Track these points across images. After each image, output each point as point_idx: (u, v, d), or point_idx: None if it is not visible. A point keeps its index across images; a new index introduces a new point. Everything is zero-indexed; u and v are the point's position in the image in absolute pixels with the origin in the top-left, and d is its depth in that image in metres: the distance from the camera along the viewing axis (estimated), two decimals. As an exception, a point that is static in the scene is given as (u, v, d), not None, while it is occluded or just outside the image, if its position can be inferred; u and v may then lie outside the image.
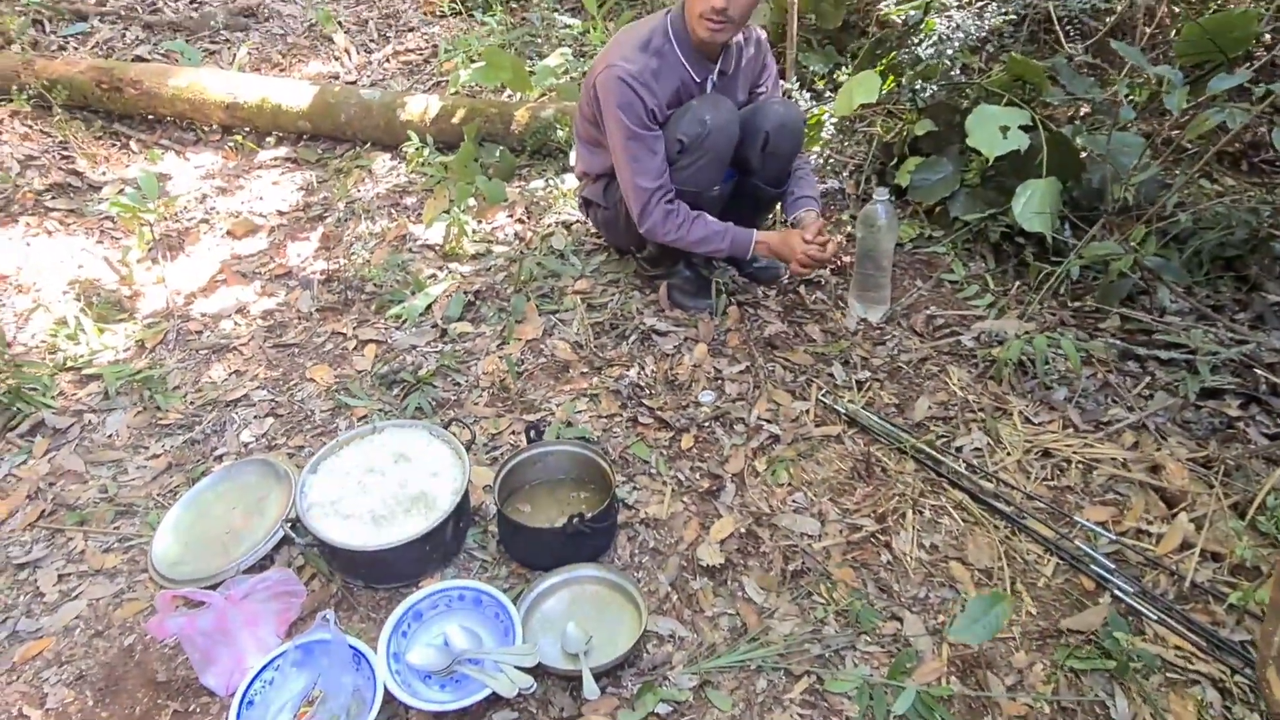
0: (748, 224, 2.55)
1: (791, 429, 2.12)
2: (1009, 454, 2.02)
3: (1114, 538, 1.78)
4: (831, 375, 2.29)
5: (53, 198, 3.18)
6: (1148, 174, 2.34)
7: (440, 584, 1.71)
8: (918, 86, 2.68)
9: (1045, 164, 2.37)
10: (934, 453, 2.01)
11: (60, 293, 2.71)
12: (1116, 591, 1.67)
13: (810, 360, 2.33)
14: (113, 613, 1.81)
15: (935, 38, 2.60)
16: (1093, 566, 1.72)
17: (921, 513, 1.90)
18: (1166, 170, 2.70)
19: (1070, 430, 2.08)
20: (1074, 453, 1.99)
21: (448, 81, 3.74)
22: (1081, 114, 2.89)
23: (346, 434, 1.94)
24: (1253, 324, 2.32)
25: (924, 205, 2.81)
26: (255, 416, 2.26)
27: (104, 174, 3.36)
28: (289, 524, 1.76)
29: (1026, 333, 2.28)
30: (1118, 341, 2.29)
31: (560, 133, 3.16)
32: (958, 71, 2.68)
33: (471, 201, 2.94)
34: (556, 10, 4.09)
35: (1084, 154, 2.51)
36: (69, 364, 2.45)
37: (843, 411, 2.15)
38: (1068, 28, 2.64)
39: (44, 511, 2.05)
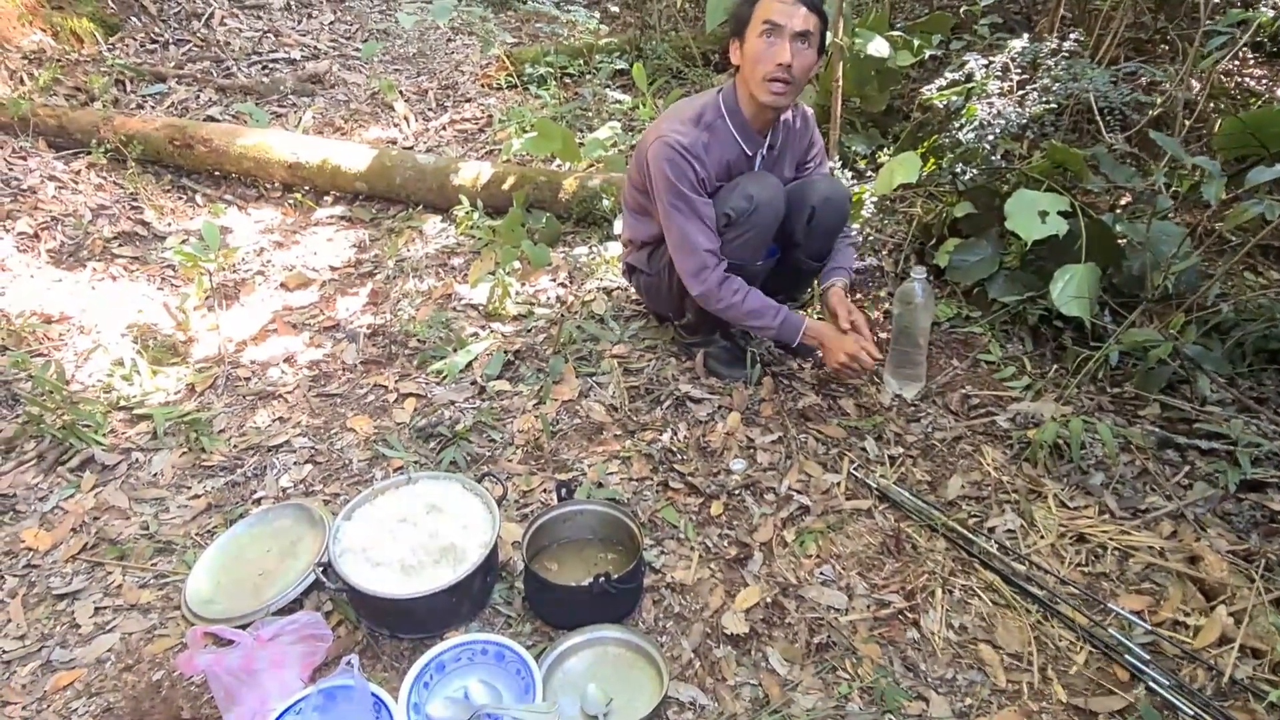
0: (787, 295, 2.61)
1: (822, 501, 2.12)
2: (1042, 537, 1.99)
3: (1149, 628, 1.74)
4: (864, 449, 2.29)
5: (120, 245, 3.33)
6: (1188, 263, 2.34)
7: (464, 637, 1.72)
8: (958, 169, 2.73)
9: (1084, 250, 2.38)
10: (965, 532, 1.99)
11: (119, 335, 2.83)
12: (1151, 684, 1.63)
13: (843, 434, 2.34)
14: (144, 647, 1.84)
15: (977, 123, 2.65)
16: (1127, 656, 1.68)
17: (951, 592, 1.87)
18: (1208, 260, 2.70)
19: (1106, 516, 2.05)
20: (1110, 539, 1.96)
21: (500, 149, 3.88)
22: (1122, 203, 2.92)
23: (382, 483, 1.97)
24: (1296, 418, 2.28)
25: (962, 286, 2.83)
26: (295, 463, 2.31)
27: (169, 224, 3.52)
28: (320, 568, 1.79)
29: (1063, 416, 2.27)
30: (1157, 429, 2.27)
31: (606, 202, 3.25)
32: (998, 157, 2.73)
33: (516, 264, 3.02)
34: (608, 87, 4.25)
35: (1123, 241, 2.53)
36: (122, 403, 2.53)
37: (874, 486, 2.15)
38: (1108, 118, 2.69)
39: (86, 545, 2.10)
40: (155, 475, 2.30)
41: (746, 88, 2.23)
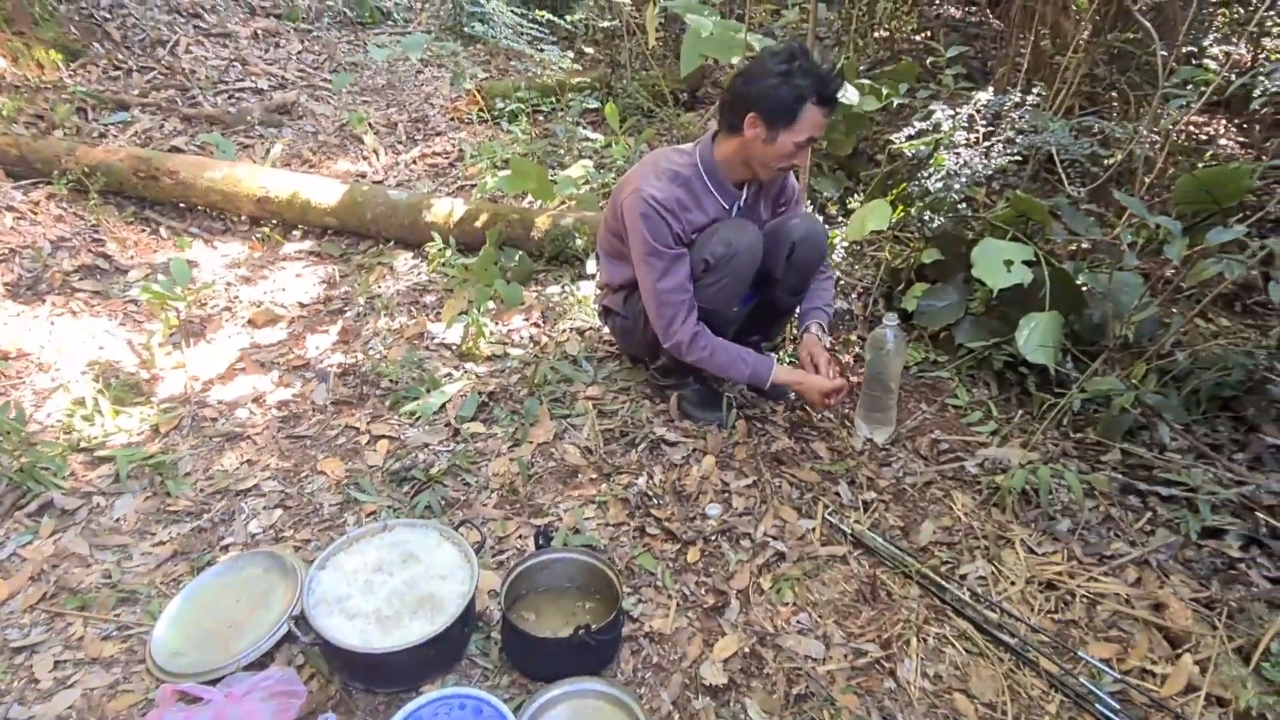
0: (764, 335, 2.64)
1: (797, 546, 2.13)
2: (1012, 584, 2.03)
3: (1118, 676, 1.78)
4: (838, 494, 2.31)
5: (80, 279, 3.26)
6: (1148, 313, 2.42)
7: (441, 691, 1.69)
8: (926, 217, 2.80)
9: (1048, 298, 2.45)
10: (938, 579, 2.02)
11: (79, 373, 2.76)
12: (1122, 733, 1.66)
13: (817, 478, 2.36)
14: (107, 704, 1.78)
15: (944, 172, 2.72)
16: (1098, 706, 1.71)
17: (925, 640, 1.89)
18: (1165, 309, 2.79)
19: (1074, 562, 2.09)
20: (1077, 586, 2.00)
21: (472, 185, 3.89)
22: (1083, 250, 3.01)
23: (356, 531, 1.95)
24: (1251, 465, 2.35)
25: (929, 330, 2.89)
26: (264, 507, 2.27)
27: (132, 258, 3.45)
28: (294, 620, 1.76)
29: (1030, 462, 2.32)
30: (1119, 476, 2.33)
31: (579, 241, 3.27)
32: (964, 205, 2.80)
33: (490, 304, 3.02)
34: (580, 124, 4.28)
35: (1086, 290, 2.60)
36: (83, 445, 2.47)
37: (848, 532, 2.17)
38: (1069, 170, 2.78)
39: (45, 594, 2.04)
40: (118, 520, 2.24)
41: (744, 159, 2.26)
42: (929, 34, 5.26)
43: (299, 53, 5.52)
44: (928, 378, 2.79)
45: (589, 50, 5.33)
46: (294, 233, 3.67)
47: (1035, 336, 2.41)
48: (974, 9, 5.66)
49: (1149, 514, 2.23)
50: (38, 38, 4.58)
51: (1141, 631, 1.90)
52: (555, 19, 4.61)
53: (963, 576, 2.06)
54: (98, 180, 3.58)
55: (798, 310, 2.60)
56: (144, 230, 3.65)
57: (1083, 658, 1.82)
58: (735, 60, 3.01)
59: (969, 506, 2.28)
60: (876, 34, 4.91)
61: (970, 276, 2.65)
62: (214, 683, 1.70)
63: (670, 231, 2.25)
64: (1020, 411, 2.61)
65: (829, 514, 2.23)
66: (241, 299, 3.24)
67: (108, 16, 5.07)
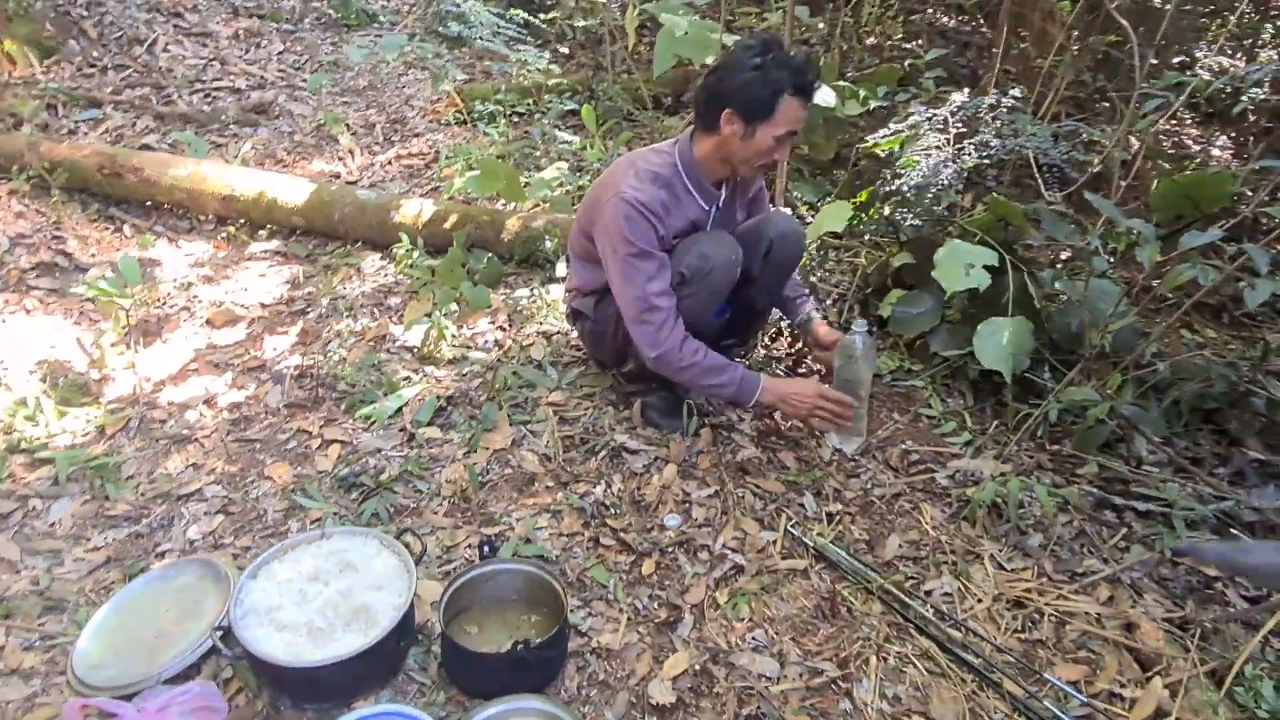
0: (739, 339, 2.57)
1: (757, 560, 2.05)
2: (979, 600, 1.95)
3: (1085, 700, 1.69)
4: (802, 505, 2.23)
5: (37, 276, 3.18)
6: (1125, 322, 2.35)
7: (370, 708, 1.61)
8: (899, 218, 2.73)
9: (1010, 304, 2.38)
10: (902, 595, 1.94)
11: (27, 372, 2.67)
12: (1087, 760, 1.58)
13: (782, 488, 2.28)
14: (21, 717, 1.69)
15: (916, 174, 2.65)
16: (1063, 730, 1.63)
17: (886, 659, 1.81)
18: (1146, 318, 2.72)
19: (1044, 579, 2.01)
20: (1047, 604, 1.92)
21: (444, 186, 3.81)
22: (1063, 257, 2.94)
23: (293, 538, 1.87)
24: (1232, 479, 2.28)
25: (904, 338, 2.81)
26: (205, 513, 2.18)
27: (94, 255, 3.37)
28: (219, 633, 1.67)
29: (1002, 474, 2.25)
30: (1094, 490, 2.25)
31: (549, 244, 3.19)
32: (940, 208, 2.73)
33: (454, 306, 2.94)
34: (558, 126, 4.21)
35: (1062, 298, 2.53)
36: (23, 445, 2.39)
37: (811, 545, 2.09)
38: (1047, 174, 2.71)
39: (-31, 601, 1.95)
40: (53, 525, 2.16)
41: (723, 156, 2.19)
42: (919, 40, 5.20)
43: (280, 53, 5.45)
44: (902, 387, 2.72)
45: (565, 51, 5.27)
46: (261, 232, 3.60)
47: (996, 342, 2.34)
48: (965, 16, 5.62)
49: (1124, 530, 2.15)
50: (11, 34, 4.50)
51: (1111, 653, 1.82)
52: (531, 19, 4.54)
53: (928, 593, 1.97)
54: (60, 177, 3.50)
55: (784, 307, 2.56)
56: (107, 228, 3.57)
57: (1049, 680, 1.74)
58: (710, 60, 2.95)
59: (938, 520, 2.20)
60: (865, 40, 4.85)
61: (945, 282, 2.59)
62: (131, 697, 1.61)
63: (655, 234, 2.17)
64: (995, 422, 2.53)
65: (791, 526, 2.15)
66: (201, 299, 3.16)
67: (85, 14, 5.01)
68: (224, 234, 3.58)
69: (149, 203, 3.68)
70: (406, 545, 1.87)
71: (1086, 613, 1.90)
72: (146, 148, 4.07)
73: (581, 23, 4.78)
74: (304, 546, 1.86)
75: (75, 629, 1.85)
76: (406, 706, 1.62)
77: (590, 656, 1.81)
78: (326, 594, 1.76)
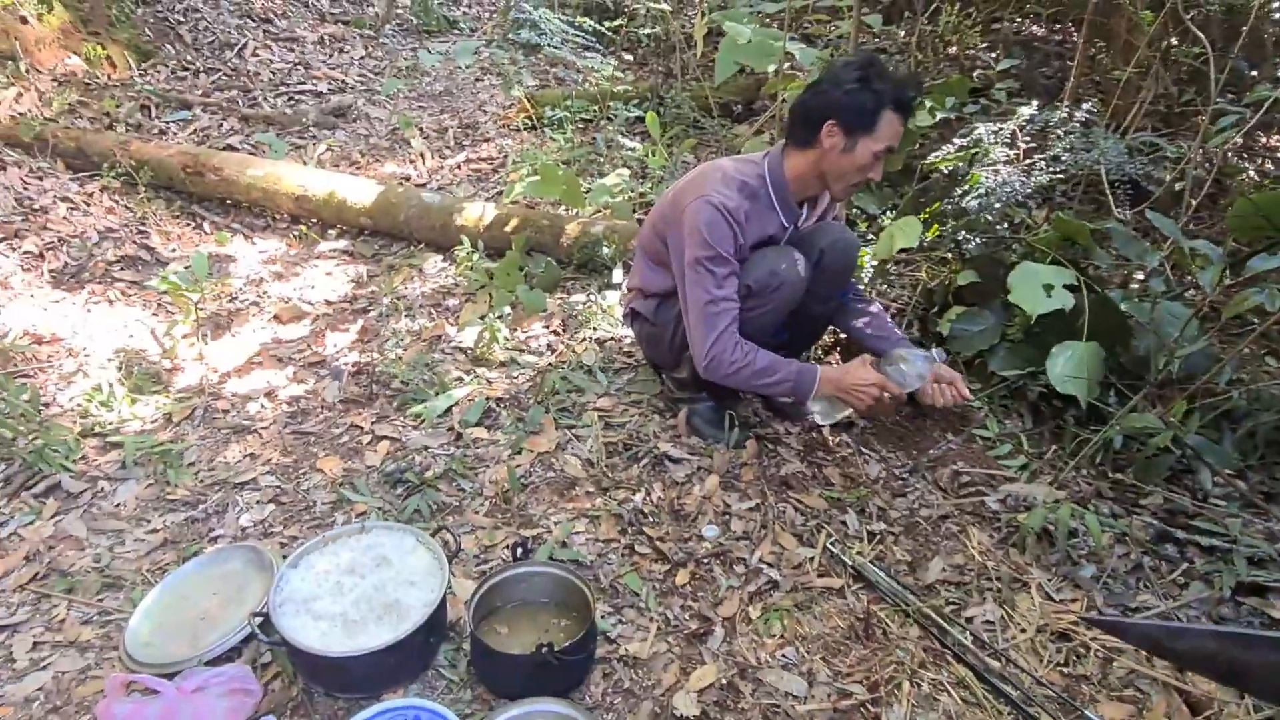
0: (794, 352, 2.53)
1: (792, 576, 2.02)
2: (1023, 631, 1.88)
3: (1128, 741, 1.62)
4: (844, 523, 2.19)
5: (121, 269, 3.35)
6: (1195, 347, 2.23)
7: (397, 701, 1.64)
8: (961, 237, 2.65)
9: (1086, 327, 2.29)
10: (941, 620, 1.88)
11: (106, 360, 2.81)
12: (1125, 805, 1.50)
13: (824, 505, 2.24)
14: (75, 689, 1.78)
15: (981, 190, 2.58)
16: (1101, 772, 1.56)
17: (919, 685, 1.76)
18: (1224, 345, 2.58)
19: (1093, 612, 1.92)
20: (1094, 638, 1.84)
21: (506, 191, 3.87)
22: (1137, 279, 2.82)
23: (334, 531, 1.92)
24: (1308, 517, 2.15)
25: (963, 356, 2.73)
26: (258, 501, 2.26)
27: (174, 250, 3.53)
28: (258, 619, 1.73)
29: (1056, 501, 2.16)
30: (1155, 522, 2.15)
31: (607, 249, 3.21)
32: (1004, 226, 2.65)
33: (509, 309, 2.98)
34: (623, 133, 4.24)
35: (1133, 321, 2.42)
36: (97, 430, 2.51)
37: (849, 564, 2.04)
38: (1118, 191, 2.60)
39: (37, 574, 2.07)
40: (118, 506, 2.27)
41: (818, 173, 2.17)
42: (1003, 50, 5.06)
43: (361, 58, 5.63)
44: (956, 405, 2.63)
45: (633, 59, 5.29)
46: (330, 232, 3.71)
47: (1070, 366, 2.25)
48: (1057, 25, 5.44)
49: (1185, 565, 2.05)
50: (113, 38, 4.76)
51: (1160, 694, 1.73)
52: (600, 27, 4.58)
53: (968, 619, 1.91)
54: (146, 175, 3.67)
55: (839, 323, 2.51)
56: (189, 224, 3.74)
57: (1090, 717, 1.67)
58: (772, 69, 2.93)
59: (985, 545, 2.13)
60: (945, 50, 4.74)
61: (1008, 301, 2.50)
62: (172, 676, 1.68)
63: (735, 243, 2.16)
64: (1053, 447, 2.44)
65: (831, 543, 2.11)
66: (271, 294, 3.27)
67: (181, 19, 5.25)
68: (296, 232, 3.71)
69: (228, 201, 3.84)
70: (444, 543, 1.90)
71: (1136, 650, 1.82)
72: (230, 148, 4.24)
73: (648, 31, 4.80)
74: (343, 539, 1.91)
75: (130, 606, 1.94)
76: (428, 702, 1.64)
77: (617, 664, 1.81)
78: (362, 587, 1.80)
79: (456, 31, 6.27)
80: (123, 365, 2.77)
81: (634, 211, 3.48)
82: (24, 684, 1.79)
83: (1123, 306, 2.40)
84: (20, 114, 3.92)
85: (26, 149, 3.75)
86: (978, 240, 2.65)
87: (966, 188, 2.64)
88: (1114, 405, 2.39)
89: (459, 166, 4.36)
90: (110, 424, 2.54)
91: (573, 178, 3.24)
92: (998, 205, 2.58)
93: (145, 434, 2.52)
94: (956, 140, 2.76)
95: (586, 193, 3.47)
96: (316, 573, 1.83)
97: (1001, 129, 2.64)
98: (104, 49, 4.64)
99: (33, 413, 2.42)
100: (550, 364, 2.78)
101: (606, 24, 4.77)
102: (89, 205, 3.61)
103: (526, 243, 3.26)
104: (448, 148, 4.59)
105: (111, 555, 2.11)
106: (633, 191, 3.64)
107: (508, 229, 3.34)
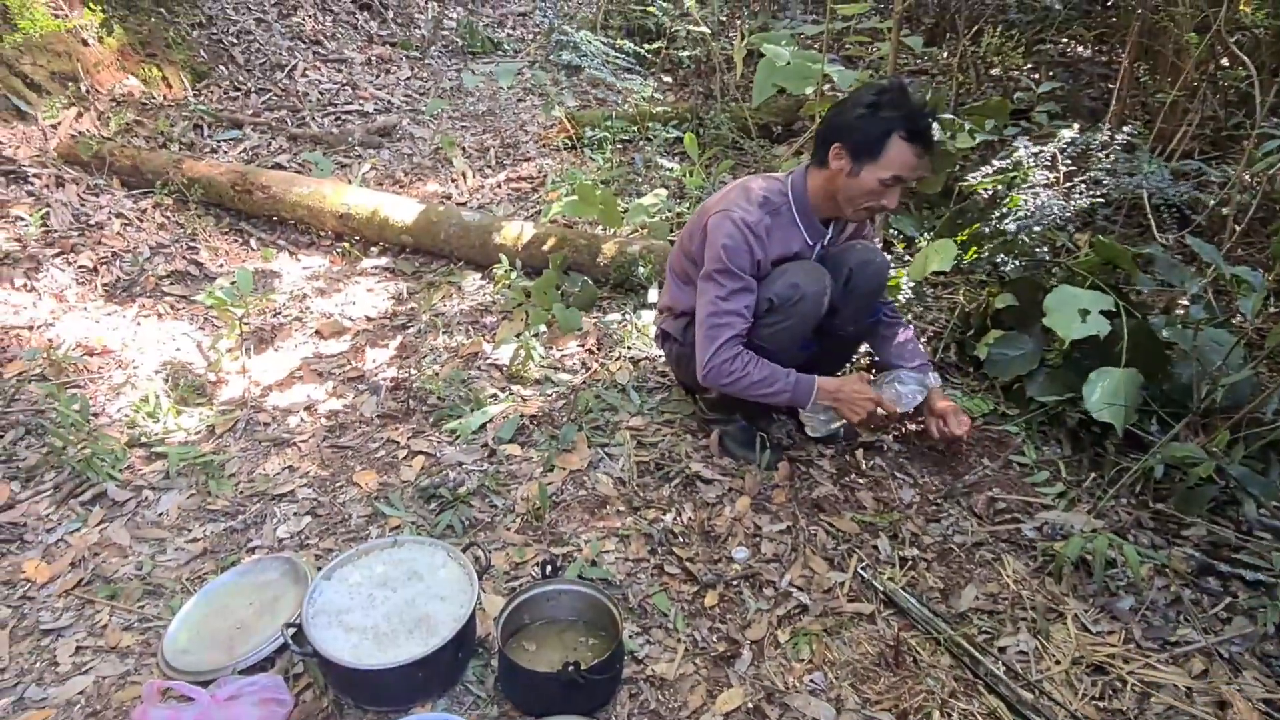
0: (827, 371, 2.53)
1: (822, 600, 2.00)
2: (1057, 663, 1.84)
3: (1165, 780, 1.58)
4: (876, 548, 2.17)
5: (171, 283, 3.44)
6: (1240, 375, 2.18)
7: (425, 715, 1.66)
8: (999, 260, 2.63)
9: (1125, 353, 2.25)
10: (973, 649, 1.85)
11: (153, 372, 2.89)
12: (1161, 846, 1.46)
13: (856, 529, 2.23)
14: (114, 693, 1.82)
15: (1019, 213, 2.56)
16: (1136, 811, 1.52)
17: (949, 715, 1.73)
18: (1271, 373, 2.52)
19: (1131, 645, 1.88)
20: (1131, 672, 1.80)
21: (544, 210, 3.92)
22: (1180, 305, 2.76)
23: (367, 544, 1.94)
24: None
25: (1000, 381, 2.70)
26: (295, 513, 2.30)
27: (222, 266, 3.63)
28: (291, 630, 1.76)
29: (1094, 530, 2.12)
30: (1198, 554, 2.09)
31: (643, 269, 3.23)
32: (1044, 249, 2.62)
33: (544, 328, 3.01)
34: (661, 153, 4.27)
35: (1176, 348, 2.38)
36: (143, 440, 2.58)
37: (880, 589, 2.02)
38: (1163, 215, 2.56)
39: (81, 580, 2.12)
40: (160, 515, 2.32)
41: (830, 193, 2.18)
42: (1047, 73, 5.02)
43: (407, 79, 5.75)
44: (993, 431, 2.61)
45: (672, 80, 5.33)
46: (373, 249, 3.79)
47: (1107, 393, 2.21)
48: (1103, 46, 5.38)
49: (1227, 599, 1.99)
50: (169, 60, 4.92)
51: (1200, 731, 1.69)
52: (640, 49, 4.63)
53: (1001, 649, 1.88)
54: (197, 192, 3.78)
55: (870, 343, 2.53)
56: (236, 240, 3.84)
57: (1126, 754, 1.63)
58: (810, 91, 2.93)
59: (1020, 574, 2.09)
60: (988, 71, 4.71)
61: (1048, 326, 2.48)
62: (207, 684, 1.71)
63: (751, 258, 2.18)
64: (1092, 475, 2.39)
65: (862, 568, 2.09)
66: (313, 310, 3.34)
67: (234, 41, 5.41)
68: (339, 249, 3.79)
69: (274, 218, 3.93)
70: (475, 559, 1.92)
71: (1175, 685, 1.77)
72: (279, 167, 4.35)
73: (688, 53, 4.84)
74: (376, 553, 1.93)
75: (169, 614, 1.98)
76: (460, 718, 1.65)
77: (644, 684, 1.81)
78: (393, 600, 1.82)
79: (500, 53, 6.37)
80: (169, 377, 2.85)
81: (670, 231, 3.50)
82: (66, 688, 1.84)
83: (1164, 333, 2.36)
84: (80, 133, 4.06)
85: (85, 167, 3.88)
86: (1016, 263, 2.62)
87: (1005, 210, 2.62)
88: (1155, 434, 2.34)
89: (499, 186, 4.42)
90: (156, 434, 2.61)
91: (610, 197, 3.27)
92: (1037, 228, 2.55)
93: (189, 445, 2.58)
94: (996, 162, 2.73)
95: (624, 213, 3.50)
96: (349, 585, 1.85)
97: (1042, 151, 2.62)
98: (160, 70, 4.80)
99: (82, 422, 2.49)
100: (584, 382, 2.80)
101: (647, 46, 4.81)
102: (142, 221, 3.72)
103: (564, 261, 3.29)
104: (489, 167, 4.66)
105: (153, 563, 2.16)
106: (670, 212, 3.66)
107: (545, 248, 3.38)
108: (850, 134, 2.09)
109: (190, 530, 2.27)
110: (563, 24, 5.96)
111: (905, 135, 2.04)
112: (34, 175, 3.68)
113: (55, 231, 3.49)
